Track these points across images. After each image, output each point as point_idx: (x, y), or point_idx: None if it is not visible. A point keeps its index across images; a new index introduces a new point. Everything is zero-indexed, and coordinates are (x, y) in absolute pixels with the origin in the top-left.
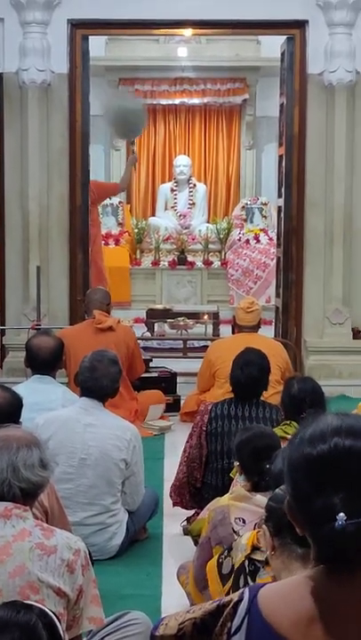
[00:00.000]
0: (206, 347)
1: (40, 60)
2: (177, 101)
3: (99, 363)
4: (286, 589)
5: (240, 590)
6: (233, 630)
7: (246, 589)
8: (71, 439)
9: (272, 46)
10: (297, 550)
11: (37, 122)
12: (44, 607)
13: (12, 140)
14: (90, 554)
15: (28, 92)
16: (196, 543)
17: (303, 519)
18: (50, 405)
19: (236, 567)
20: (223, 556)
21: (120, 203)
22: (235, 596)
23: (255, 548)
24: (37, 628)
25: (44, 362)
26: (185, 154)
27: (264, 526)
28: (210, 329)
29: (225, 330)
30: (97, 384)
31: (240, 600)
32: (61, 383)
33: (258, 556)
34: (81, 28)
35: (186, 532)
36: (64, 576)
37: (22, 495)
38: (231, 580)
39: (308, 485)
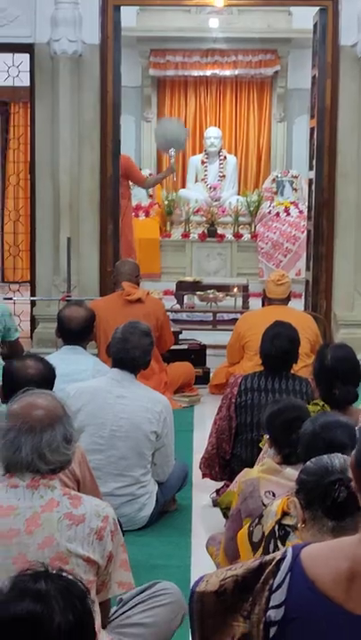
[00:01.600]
0: (236, 319)
1: (72, 30)
2: (208, 73)
3: (131, 334)
4: (331, 548)
5: (283, 549)
6: (275, 587)
7: (290, 548)
8: (102, 410)
9: (304, 17)
10: (328, 523)
11: (69, 93)
12: (71, 576)
13: (44, 110)
14: (120, 524)
15: (60, 62)
16: (225, 515)
17: None
18: (81, 376)
19: (266, 534)
20: (254, 525)
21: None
22: (278, 554)
23: (285, 514)
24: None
25: (75, 332)
26: (216, 126)
27: (295, 499)
28: (239, 302)
29: (254, 302)
30: (129, 355)
31: (283, 558)
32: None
33: (288, 521)
34: None
35: (215, 503)
36: (93, 544)
37: (50, 471)
38: (262, 547)
39: None
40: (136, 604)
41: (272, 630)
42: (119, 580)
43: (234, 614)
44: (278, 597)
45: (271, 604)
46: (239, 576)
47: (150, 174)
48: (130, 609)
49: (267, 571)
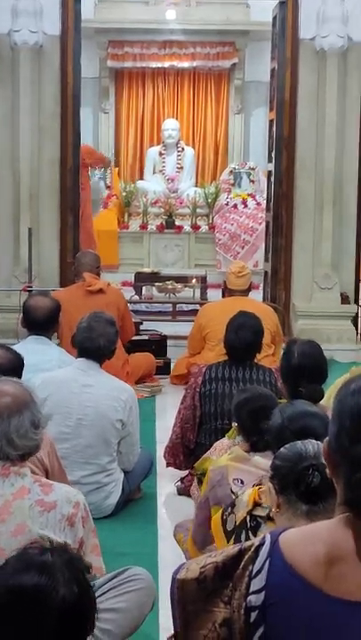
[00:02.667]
0: (195, 310)
1: (32, 21)
2: (166, 65)
3: (96, 324)
4: (309, 532)
5: (262, 535)
6: (254, 573)
7: (268, 533)
8: (68, 399)
9: (261, 10)
10: (302, 507)
11: (29, 83)
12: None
13: (4, 101)
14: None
15: (20, 53)
16: (199, 481)
17: (340, 461)
18: (46, 366)
19: (237, 523)
20: (227, 513)
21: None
22: (256, 541)
23: (256, 504)
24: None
25: (40, 322)
26: (173, 117)
27: (269, 483)
28: (198, 293)
29: (212, 294)
30: (94, 345)
31: (262, 544)
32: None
33: (259, 512)
34: None
35: (180, 491)
36: (65, 530)
37: (19, 457)
38: (234, 536)
39: (353, 431)
40: (108, 590)
41: (253, 615)
42: (90, 565)
43: (215, 600)
44: (258, 583)
45: (251, 589)
46: (219, 563)
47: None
48: (102, 594)
49: (246, 557)
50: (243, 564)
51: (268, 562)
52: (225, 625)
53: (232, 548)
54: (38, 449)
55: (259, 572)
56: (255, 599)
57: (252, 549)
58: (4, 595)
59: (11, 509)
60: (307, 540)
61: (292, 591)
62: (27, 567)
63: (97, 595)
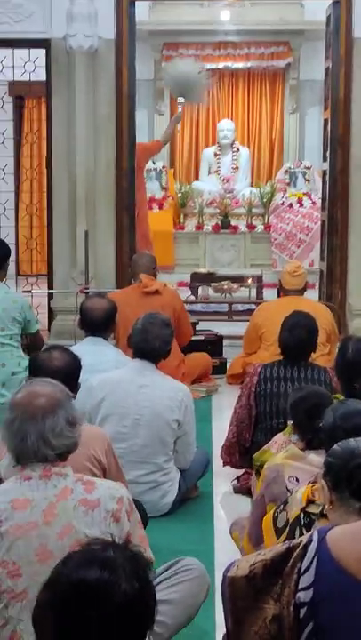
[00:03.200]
0: (250, 310)
1: (87, 25)
2: (220, 65)
3: (151, 325)
4: (356, 529)
5: (309, 533)
6: (303, 570)
7: (315, 531)
8: (125, 400)
9: (316, 9)
10: (355, 505)
11: (84, 87)
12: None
13: (60, 105)
14: (144, 511)
15: (76, 57)
16: (257, 472)
17: None
18: (103, 367)
19: (291, 520)
20: (279, 510)
21: (164, 167)
22: (304, 538)
23: (310, 502)
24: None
25: (97, 323)
26: (228, 118)
27: (322, 481)
28: (253, 292)
29: (268, 293)
30: (150, 346)
31: (310, 541)
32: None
33: (313, 509)
34: None
35: (236, 490)
36: (110, 526)
37: (57, 456)
38: (286, 532)
39: None
40: (161, 581)
41: (302, 611)
42: None
43: (264, 597)
44: (307, 579)
45: (300, 586)
46: (268, 560)
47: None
48: (155, 586)
49: (294, 554)
50: (291, 561)
51: (316, 559)
52: (275, 621)
53: (281, 546)
54: (76, 447)
55: (307, 569)
56: (304, 596)
57: (301, 547)
58: (68, 588)
59: (55, 511)
60: (354, 536)
61: (339, 588)
62: (90, 562)
63: None
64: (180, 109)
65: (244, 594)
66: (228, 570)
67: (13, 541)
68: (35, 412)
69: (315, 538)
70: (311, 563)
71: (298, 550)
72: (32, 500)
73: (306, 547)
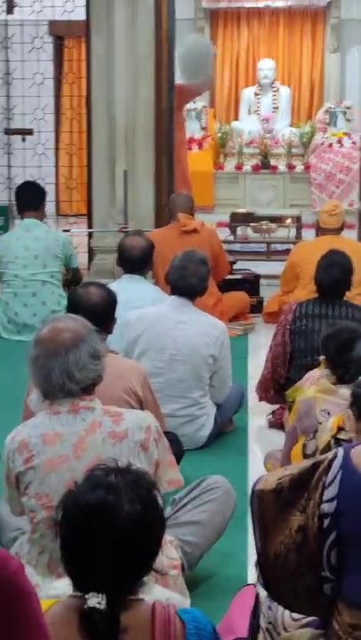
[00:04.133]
0: (289, 250)
1: None
2: (261, 5)
3: (189, 262)
4: None
5: (334, 450)
6: (328, 483)
7: (340, 448)
8: (162, 335)
9: None
10: None
11: (124, 26)
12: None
13: (99, 45)
14: (180, 443)
15: None
16: (290, 408)
17: None
18: (141, 303)
19: (321, 448)
20: (309, 438)
21: (204, 107)
22: (330, 455)
23: (340, 429)
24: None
25: (135, 261)
26: (269, 57)
27: (349, 410)
28: (292, 233)
29: (307, 234)
30: (187, 283)
31: (335, 457)
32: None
33: (343, 436)
34: None
35: (271, 425)
36: (139, 455)
37: (83, 390)
38: None
39: None
40: (188, 502)
41: (326, 521)
42: (168, 479)
43: (291, 509)
44: (331, 492)
45: (325, 498)
46: (295, 474)
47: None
48: (182, 507)
49: (320, 469)
50: (317, 475)
51: (340, 473)
52: (300, 531)
53: (307, 462)
54: (101, 379)
55: (332, 482)
56: (328, 507)
57: (326, 462)
58: (75, 512)
59: (84, 445)
60: None
61: None
62: (94, 487)
63: (178, 507)
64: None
65: (272, 506)
66: (255, 484)
67: (45, 475)
68: (58, 348)
69: (340, 454)
70: (335, 476)
71: (323, 465)
72: (62, 435)
73: (331, 462)
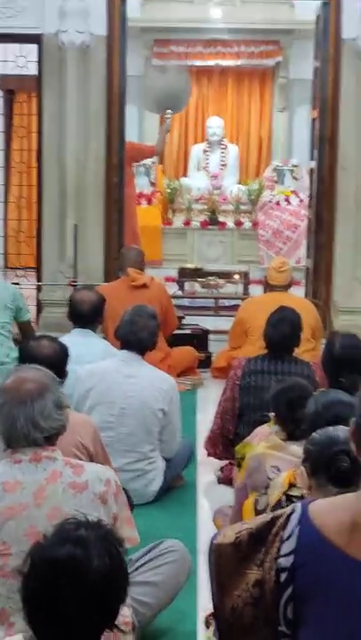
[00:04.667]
0: (237, 306)
1: (79, 21)
2: (211, 63)
3: (139, 317)
4: (337, 501)
5: (292, 504)
6: (285, 537)
7: (299, 503)
8: (112, 389)
9: (306, 9)
10: (333, 490)
11: (76, 82)
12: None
13: (51, 99)
14: (130, 498)
15: (67, 53)
16: (238, 464)
17: None
18: (91, 358)
19: (272, 504)
20: (260, 494)
21: (153, 163)
22: (288, 509)
23: (292, 485)
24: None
25: (86, 315)
26: (218, 115)
27: (302, 467)
28: (240, 288)
29: (255, 289)
30: (137, 337)
31: (293, 511)
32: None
33: (295, 492)
34: None
35: (220, 480)
36: (98, 508)
37: (46, 440)
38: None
39: None
40: (144, 563)
41: (282, 576)
42: (126, 536)
43: (249, 563)
44: (288, 546)
45: (282, 552)
46: (253, 529)
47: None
48: (139, 566)
49: (278, 523)
50: (275, 529)
51: (298, 527)
52: (257, 585)
53: (265, 516)
54: (64, 429)
55: (289, 536)
56: (285, 561)
57: (284, 517)
58: (43, 566)
59: (45, 494)
60: (333, 508)
61: (318, 553)
62: (63, 541)
63: (134, 568)
64: (168, 121)
65: (230, 560)
66: (214, 538)
67: (4, 522)
68: (23, 397)
69: (298, 508)
70: (293, 531)
71: (281, 519)
72: (22, 483)
73: (289, 516)
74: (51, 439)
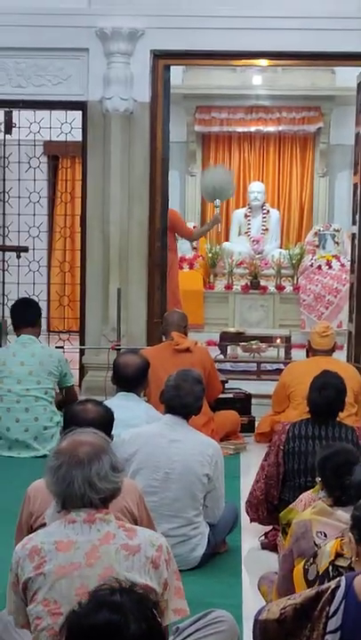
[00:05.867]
0: (279, 370)
1: (123, 88)
2: (252, 129)
3: (184, 382)
4: None
5: (337, 579)
6: (331, 613)
7: (343, 577)
8: (156, 454)
9: (347, 75)
10: None
11: (119, 148)
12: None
13: (95, 165)
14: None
15: (111, 119)
16: (283, 531)
17: None
18: (134, 422)
19: (320, 573)
20: (309, 563)
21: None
22: (333, 584)
23: (338, 555)
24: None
25: (130, 379)
26: (259, 180)
27: (349, 534)
28: (282, 352)
29: (296, 353)
30: (181, 402)
31: (338, 586)
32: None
33: (341, 562)
34: (163, 59)
35: (263, 546)
36: (149, 572)
37: (101, 501)
38: (317, 585)
39: None
40: (192, 633)
41: None
42: (175, 607)
43: (294, 639)
44: (334, 623)
45: (328, 629)
46: (298, 604)
47: (195, 226)
48: (186, 637)
49: (323, 599)
50: (320, 605)
51: (343, 603)
52: None
53: (310, 591)
54: (119, 492)
55: (335, 612)
56: (332, 638)
57: (329, 591)
58: (79, 634)
59: (98, 554)
60: None
61: None
62: (99, 607)
63: (182, 637)
64: (217, 211)
65: (275, 636)
66: (259, 613)
67: (56, 580)
68: (81, 458)
69: (342, 583)
70: (339, 607)
71: (326, 595)
72: (75, 542)
73: (334, 591)
74: (105, 501)
